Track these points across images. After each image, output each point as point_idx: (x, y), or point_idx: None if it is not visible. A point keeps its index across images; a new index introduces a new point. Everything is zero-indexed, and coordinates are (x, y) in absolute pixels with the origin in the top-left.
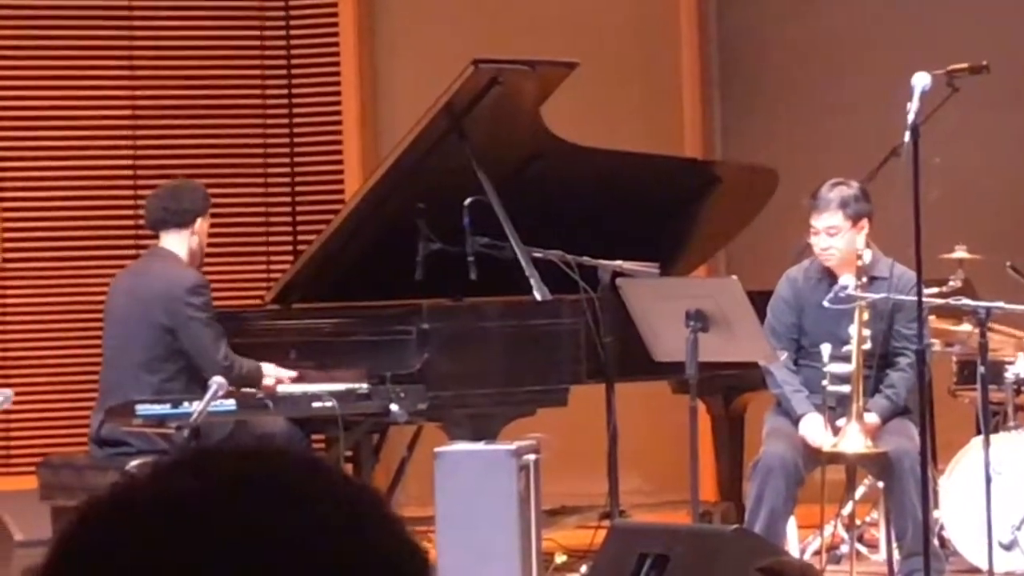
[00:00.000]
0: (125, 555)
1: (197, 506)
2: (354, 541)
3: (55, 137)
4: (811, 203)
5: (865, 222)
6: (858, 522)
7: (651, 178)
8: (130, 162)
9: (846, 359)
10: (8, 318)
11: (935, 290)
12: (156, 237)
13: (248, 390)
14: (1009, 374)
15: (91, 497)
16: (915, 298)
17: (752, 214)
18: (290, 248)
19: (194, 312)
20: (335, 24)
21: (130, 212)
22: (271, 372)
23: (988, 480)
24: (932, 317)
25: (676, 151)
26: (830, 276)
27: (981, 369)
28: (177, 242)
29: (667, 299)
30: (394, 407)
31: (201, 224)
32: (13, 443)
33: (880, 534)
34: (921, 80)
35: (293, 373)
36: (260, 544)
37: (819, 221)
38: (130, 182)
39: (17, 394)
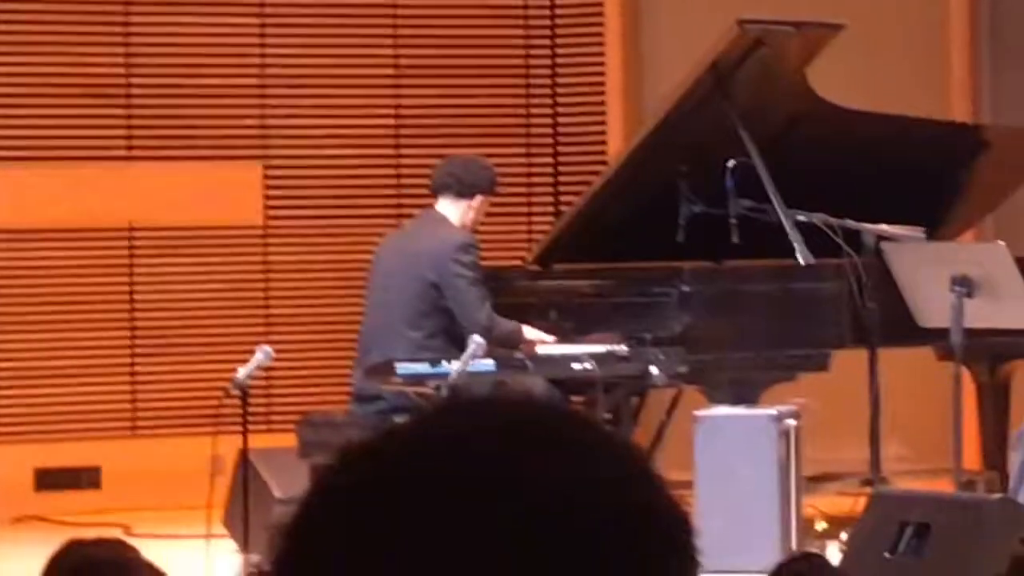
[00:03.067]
0: (385, 494)
1: (464, 449)
2: (622, 496)
3: (318, 96)
4: None
5: None
6: None
7: (917, 142)
8: (392, 122)
9: None
10: (271, 276)
11: None
12: (422, 197)
13: (507, 351)
14: None
15: (353, 439)
16: None
17: (1021, 179)
18: (552, 209)
19: (461, 269)
20: None
21: (392, 172)
22: (531, 335)
23: None
24: None
25: (943, 114)
26: None
27: None
28: (452, 209)
29: (933, 264)
30: (654, 370)
31: (480, 202)
32: (274, 400)
33: None
34: None
35: (552, 338)
36: (525, 489)
37: None
38: (392, 142)
39: (278, 352)
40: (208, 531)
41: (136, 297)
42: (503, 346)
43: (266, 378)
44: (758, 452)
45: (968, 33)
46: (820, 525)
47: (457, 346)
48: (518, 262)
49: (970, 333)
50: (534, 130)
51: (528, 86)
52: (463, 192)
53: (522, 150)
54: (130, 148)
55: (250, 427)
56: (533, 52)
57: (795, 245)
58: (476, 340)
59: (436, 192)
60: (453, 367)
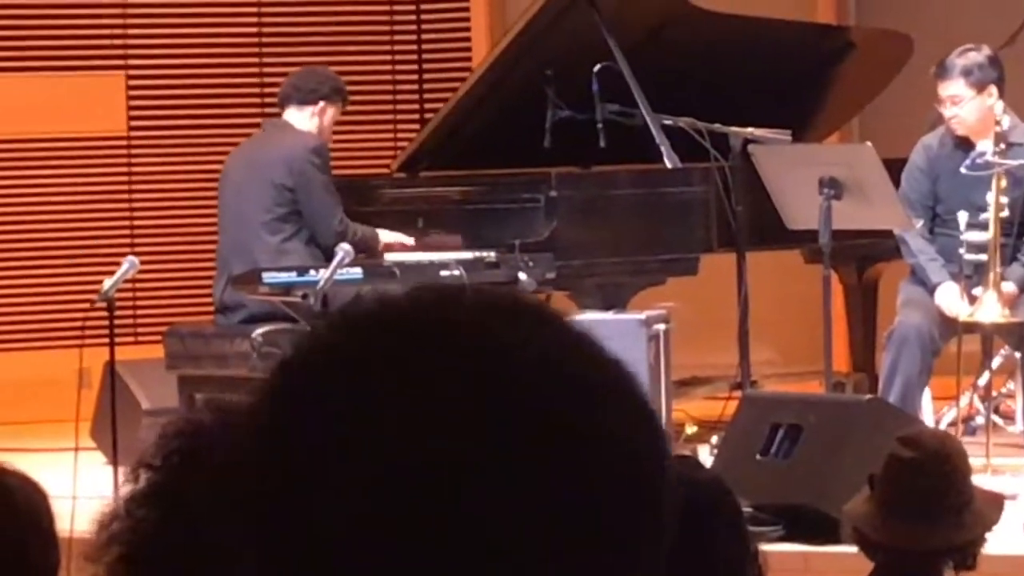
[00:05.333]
0: (379, 366)
1: (457, 326)
2: (615, 370)
3: (180, 4)
4: (937, 71)
5: (992, 89)
6: (994, 393)
7: (784, 44)
8: (255, 30)
9: (983, 227)
10: (135, 186)
11: None
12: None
13: (374, 259)
14: None
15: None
16: None
17: (886, 81)
18: (417, 116)
19: (315, 172)
20: None
21: (256, 80)
22: (387, 239)
23: None
24: None
25: (809, 17)
26: (967, 143)
27: None
28: (298, 118)
29: (800, 166)
30: (522, 276)
31: (325, 109)
32: (140, 312)
33: (1017, 405)
34: None
35: (411, 240)
36: (525, 366)
37: (943, 89)
38: (255, 50)
39: (143, 262)
40: (76, 444)
41: None
42: (359, 251)
43: (132, 289)
44: (627, 357)
45: None
46: (690, 429)
47: (318, 248)
48: (384, 170)
49: (838, 235)
50: (398, 36)
51: None
52: (304, 100)
53: (387, 57)
54: None
55: (117, 339)
56: None
57: (662, 149)
58: (344, 248)
59: (281, 104)
60: (320, 276)
